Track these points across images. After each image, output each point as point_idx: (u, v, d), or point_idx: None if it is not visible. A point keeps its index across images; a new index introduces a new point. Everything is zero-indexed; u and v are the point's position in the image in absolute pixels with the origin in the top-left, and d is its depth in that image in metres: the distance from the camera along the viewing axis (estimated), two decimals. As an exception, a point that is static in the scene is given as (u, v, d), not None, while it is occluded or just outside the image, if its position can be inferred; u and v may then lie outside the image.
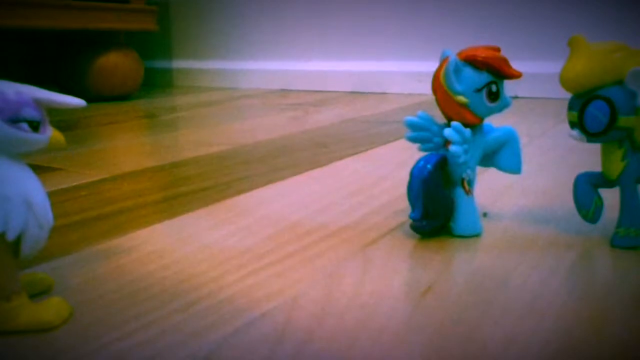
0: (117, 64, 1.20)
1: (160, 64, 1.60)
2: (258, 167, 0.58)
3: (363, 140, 0.71)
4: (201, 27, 1.52)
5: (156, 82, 1.59)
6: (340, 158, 0.60)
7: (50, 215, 0.26)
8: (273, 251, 0.35)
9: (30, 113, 0.25)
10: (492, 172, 0.40)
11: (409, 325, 0.25)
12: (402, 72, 1.23)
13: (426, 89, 0.64)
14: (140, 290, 0.29)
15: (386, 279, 0.30)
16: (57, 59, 1.27)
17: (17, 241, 0.25)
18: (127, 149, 0.70)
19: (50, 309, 0.26)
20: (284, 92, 1.35)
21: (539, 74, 1.07)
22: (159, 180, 0.54)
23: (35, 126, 0.26)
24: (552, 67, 0.36)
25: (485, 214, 0.40)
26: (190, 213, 0.43)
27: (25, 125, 0.25)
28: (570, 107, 0.33)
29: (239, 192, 0.48)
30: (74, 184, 0.52)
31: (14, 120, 0.25)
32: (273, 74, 1.41)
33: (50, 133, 0.26)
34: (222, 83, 1.50)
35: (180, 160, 0.62)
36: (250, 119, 0.94)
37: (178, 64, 1.57)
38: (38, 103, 0.26)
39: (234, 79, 1.48)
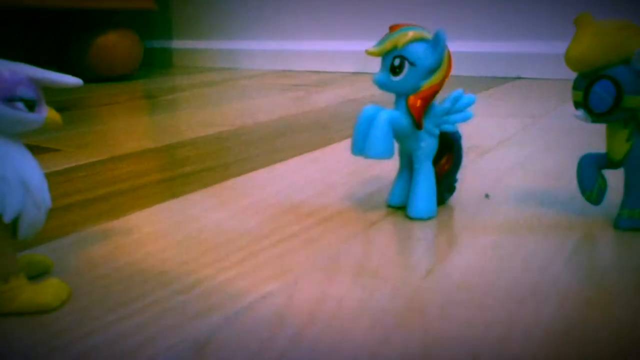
0: (116, 43, 1.19)
1: (159, 43, 1.58)
2: (258, 148, 0.58)
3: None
4: (201, 6, 1.50)
5: (155, 62, 1.57)
6: (342, 139, 0.60)
7: (47, 196, 0.26)
8: (274, 233, 0.34)
9: (26, 92, 0.25)
10: (494, 154, 0.39)
11: (410, 308, 0.25)
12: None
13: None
14: (139, 271, 0.29)
15: (387, 261, 0.30)
16: (56, 39, 1.26)
17: (15, 222, 0.25)
18: (126, 130, 0.70)
19: (49, 290, 0.26)
20: (285, 72, 1.34)
21: (543, 54, 1.06)
22: (159, 161, 0.54)
23: (31, 105, 0.25)
24: (557, 47, 0.35)
25: (487, 195, 0.40)
26: (190, 194, 0.42)
27: (21, 105, 0.25)
28: (575, 87, 0.33)
29: (240, 173, 0.48)
30: (73, 165, 0.52)
31: (10, 100, 0.24)
32: (274, 54, 1.40)
33: (46, 113, 0.26)
34: (222, 63, 1.49)
35: (179, 141, 0.62)
36: (250, 100, 0.93)
37: (178, 44, 1.56)
38: (34, 82, 0.25)
39: (234, 59, 1.46)
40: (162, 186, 0.45)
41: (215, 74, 1.34)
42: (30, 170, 0.25)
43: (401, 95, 0.35)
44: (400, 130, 0.35)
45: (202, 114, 0.80)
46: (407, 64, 0.34)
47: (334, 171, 0.48)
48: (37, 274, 0.28)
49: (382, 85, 0.35)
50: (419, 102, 0.34)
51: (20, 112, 0.25)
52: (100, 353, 0.22)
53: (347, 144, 0.58)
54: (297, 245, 0.32)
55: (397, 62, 0.34)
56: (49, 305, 0.25)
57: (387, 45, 0.34)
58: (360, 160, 0.51)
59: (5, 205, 0.24)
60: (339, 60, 1.30)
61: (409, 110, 0.35)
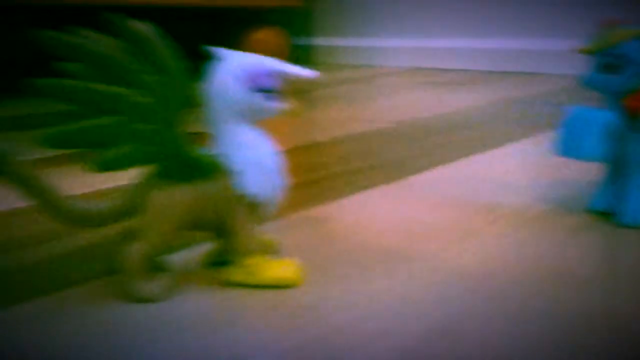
0: (265, 40, 1.25)
1: (302, 40, 1.63)
2: (424, 144, 0.58)
3: (527, 122, 0.68)
4: (342, 4, 1.53)
5: (298, 58, 1.62)
6: (511, 140, 0.58)
7: (284, 180, 0.28)
8: (471, 231, 0.34)
9: (271, 83, 0.27)
10: None
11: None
12: (552, 51, 1.16)
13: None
14: (356, 258, 0.30)
15: (602, 269, 0.29)
16: (210, 36, 1.34)
17: (258, 203, 0.27)
18: (279, 125, 0.73)
19: (289, 267, 0.27)
20: (422, 70, 1.33)
21: None
22: (334, 153, 0.56)
23: (274, 95, 0.27)
24: None
25: None
26: (372, 189, 0.43)
27: (266, 95, 0.27)
28: None
29: (417, 169, 0.48)
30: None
31: (258, 90, 0.27)
32: (410, 51, 1.39)
33: (286, 102, 0.28)
34: (361, 60, 1.51)
35: (339, 136, 0.64)
36: (396, 96, 0.94)
37: (319, 41, 1.60)
38: (277, 74, 0.27)
39: (373, 55, 1.48)
40: (346, 179, 0.47)
41: (357, 71, 1.36)
42: (272, 156, 0.28)
43: (615, 96, 0.34)
44: (613, 132, 0.33)
45: (353, 109, 0.81)
46: (625, 63, 0.32)
47: (515, 171, 0.47)
48: (267, 252, 0.31)
49: (595, 85, 0.34)
50: (639, 103, 0.33)
51: (267, 102, 0.27)
52: (347, 330, 0.23)
53: (519, 144, 0.56)
54: (496, 245, 0.32)
55: (613, 60, 0.33)
56: (291, 280, 0.27)
57: (603, 42, 0.33)
58: (546, 161, 0.49)
59: (253, 187, 0.27)
60: (478, 58, 1.27)
61: (625, 111, 0.33)
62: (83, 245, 0.33)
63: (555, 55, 1.15)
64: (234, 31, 1.27)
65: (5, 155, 0.24)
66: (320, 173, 0.48)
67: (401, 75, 1.26)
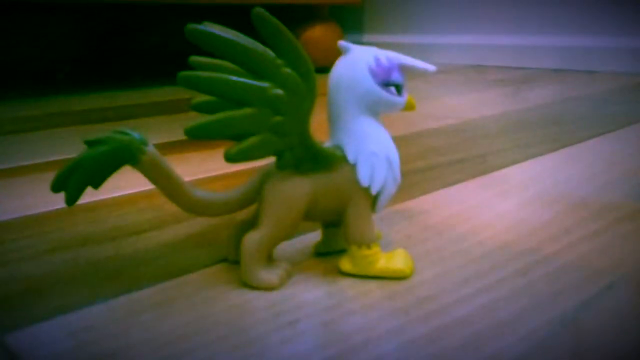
0: (321, 36, 1.25)
1: (352, 38, 1.63)
2: (502, 141, 0.57)
3: (600, 120, 0.66)
4: (394, 0, 1.53)
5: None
6: (589, 137, 0.57)
7: (399, 173, 0.28)
8: (576, 227, 0.34)
9: (398, 77, 0.27)
10: None
11: None
12: (613, 49, 1.13)
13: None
14: (465, 251, 0.31)
15: None
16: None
17: (376, 195, 0.28)
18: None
19: (401, 258, 0.28)
20: (481, 67, 1.32)
21: None
22: (412, 149, 0.56)
23: (399, 89, 0.28)
24: None
25: None
26: (461, 183, 0.43)
27: (393, 89, 0.27)
28: None
29: (501, 165, 0.48)
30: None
31: (386, 84, 0.27)
32: (466, 49, 1.38)
33: (407, 96, 0.28)
34: (414, 57, 1.50)
35: (411, 132, 0.64)
36: (460, 94, 0.93)
37: (370, 38, 1.60)
38: (402, 68, 0.28)
39: (426, 53, 1.47)
40: (432, 173, 0.47)
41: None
42: (392, 148, 0.28)
43: None
44: None
45: (422, 106, 0.81)
46: None
47: (601, 167, 0.46)
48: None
49: None
50: None
51: (393, 96, 0.27)
52: (474, 320, 0.24)
53: (597, 142, 0.54)
54: (608, 241, 0.32)
55: None
56: (403, 272, 0.28)
57: None
58: (627, 158, 0.48)
59: (374, 178, 0.27)
60: (537, 56, 1.25)
61: None
62: (197, 232, 0.34)
63: (619, 52, 1.13)
64: (289, 28, 1.28)
65: (140, 143, 0.25)
66: (405, 167, 0.48)
67: (459, 72, 1.25)
